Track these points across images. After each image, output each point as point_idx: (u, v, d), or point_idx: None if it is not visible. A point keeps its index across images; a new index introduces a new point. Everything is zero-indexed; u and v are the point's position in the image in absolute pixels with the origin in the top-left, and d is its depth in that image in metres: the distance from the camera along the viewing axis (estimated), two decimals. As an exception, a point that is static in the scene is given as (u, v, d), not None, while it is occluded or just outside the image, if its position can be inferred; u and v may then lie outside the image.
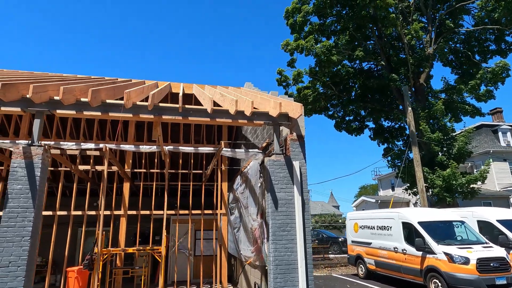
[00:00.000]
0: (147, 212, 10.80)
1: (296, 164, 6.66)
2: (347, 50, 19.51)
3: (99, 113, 6.08)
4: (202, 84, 11.72)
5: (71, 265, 11.01)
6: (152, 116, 6.29)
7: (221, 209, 11.43)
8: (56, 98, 5.75)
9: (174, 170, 12.85)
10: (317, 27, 20.07)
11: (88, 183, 10.76)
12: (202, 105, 7.57)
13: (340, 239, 21.79)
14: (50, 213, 10.06)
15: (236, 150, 8.60)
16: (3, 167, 10.31)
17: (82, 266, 9.28)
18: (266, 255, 7.78)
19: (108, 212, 10.53)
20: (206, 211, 11.16)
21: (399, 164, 18.26)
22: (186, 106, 6.49)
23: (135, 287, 10.84)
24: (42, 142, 5.98)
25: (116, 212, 10.58)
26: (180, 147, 8.22)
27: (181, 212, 11.04)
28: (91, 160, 10.64)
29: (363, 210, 24.74)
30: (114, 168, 10.34)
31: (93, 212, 10.62)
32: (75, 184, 10.91)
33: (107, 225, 12.10)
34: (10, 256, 5.09)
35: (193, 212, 11.10)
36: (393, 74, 18.17)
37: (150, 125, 11.87)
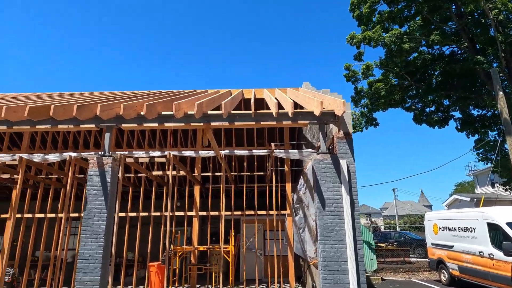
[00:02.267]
0: (217, 213, 11.52)
1: (343, 162, 6.47)
2: (422, 35, 17.88)
3: (156, 124, 6.82)
4: (249, 89, 12.11)
5: (154, 261, 12.35)
6: (201, 124, 6.80)
7: (285, 209, 11.57)
8: (120, 114, 6.64)
9: (239, 172, 13.45)
10: (386, 16, 18.82)
11: (165, 187, 11.96)
12: (249, 109, 7.85)
13: (425, 242, 19.93)
14: (134, 214, 11.47)
15: (290, 151, 8.67)
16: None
17: (160, 262, 10.37)
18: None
19: (181, 213, 11.55)
20: (271, 212, 11.42)
21: (493, 157, 16.02)
22: (232, 112, 6.84)
23: (209, 282, 11.62)
24: (117, 152, 6.95)
25: (189, 213, 11.52)
26: (235, 151, 8.65)
27: (248, 213, 11.50)
28: (166, 166, 11.80)
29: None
30: (183, 173, 11.29)
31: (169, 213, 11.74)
32: (154, 188, 12.23)
33: (181, 225, 13.26)
34: (90, 250, 6.05)
35: (259, 212, 11.47)
36: (479, 56, 16.04)
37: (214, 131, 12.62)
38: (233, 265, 12.61)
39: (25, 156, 8.48)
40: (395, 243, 19.82)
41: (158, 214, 11.46)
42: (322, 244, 6.13)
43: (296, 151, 8.58)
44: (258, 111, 6.73)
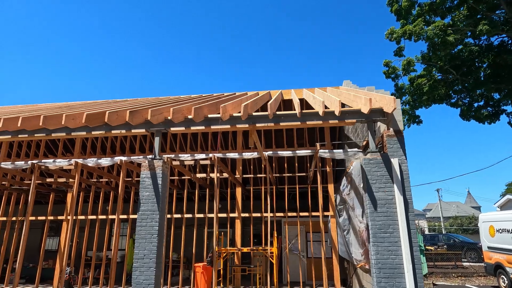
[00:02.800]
0: (258, 215, 11.55)
1: (394, 161, 6.23)
2: (467, 26, 16.91)
3: (203, 127, 6.95)
4: (288, 89, 12.08)
5: (198, 262, 12.60)
6: (247, 125, 6.84)
7: (328, 211, 11.36)
8: (168, 118, 6.84)
9: (281, 174, 13.38)
10: (427, 8, 18.01)
11: (207, 189, 12.17)
12: (288, 110, 7.80)
13: (478, 245, 18.73)
14: (179, 216, 11.77)
15: (335, 151, 8.50)
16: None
17: (206, 263, 10.56)
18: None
19: (224, 215, 11.69)
20: (313, 213, 11.27)
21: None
22: (277, 112, 6.82)
23: (253, 284, 11.66)
24: (164, 155, 7.17)
25: (231, 215, 11.64)
26: (278, 152, 8.62)
27: (290, 214, 11.43)
28: (208, 168, 12.02)
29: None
30: (225, 175, 11.43)
31: (212, 215, 11.92)
32: (196, 191, 12.49)
33: (224, 227, 13.41)
34: (144, 250, 6.27)
35: (301, 214, 11.36)
36: (534, 45, 14.89)
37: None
38: (277, 267, 12.57)
39: (80, 160, 8.97)
40: (445, 246, 18.78)
41: (201, 215, 11.68)
42: (375, 246, 5.92)
43: (341, 151, 8.39)
44: (304, 111, 6.65)
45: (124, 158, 8.80)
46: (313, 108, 7.69)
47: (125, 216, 11.62)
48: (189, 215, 11.65)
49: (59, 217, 12.19)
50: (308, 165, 12.15)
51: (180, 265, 13.78)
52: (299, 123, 6.77)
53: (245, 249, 11.06)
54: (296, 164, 12.18)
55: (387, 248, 5.88)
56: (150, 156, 6.96)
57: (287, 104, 11.83)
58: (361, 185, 8.52)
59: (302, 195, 12.53)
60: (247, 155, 8.65)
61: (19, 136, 7.18)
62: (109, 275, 9.84)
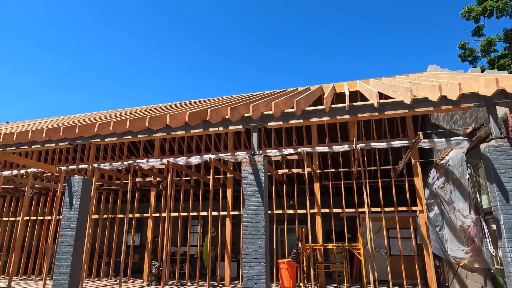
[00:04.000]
0: (339, 210, 11.17)
1: (526, 147, 5.55)
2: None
3: (301, 120, 6.78)
4: (366, 79, 11.53)
5: (276, 258, 12.56)
6: (348, 116, 6.54)
7: (416, 206, 10.68)
8: (268, 112, 6.76)
9: (361, 168, 12.86)
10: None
11: (284, 185, 12.06)
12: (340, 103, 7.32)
13: None
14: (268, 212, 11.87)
15: (436, 140, 7.92)
16: (221, 176, 12.82)
17: (290, 259, 10.45)
18: (492, 255, 6.76)
19: (303, 211, 11.50)
20: (400, 208, 10.66)
21: None
22: (381, 101, 6.44)
23: (338, 282, 11.33)
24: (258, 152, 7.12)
25: (311, 211, 11.40)
26: (372, 144, 8.21)
27: (373, 209, 10.91)
28: (292, 163, 11.89)
29: None
30: (297, 171, 11.23)
31: (291, 211, 11.79)
32: (273, 187, 12.44)
33: (303, 223, 13.18)
34: (253, 245, 6.24)
35: (386, 209, 10.80)
36: None
37: (331, 127, 12.29)
38: (358, 264, 12.09)
39: (171, 160, 9.29)
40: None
41: (280, 212, 11.59)
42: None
43: (443, 140, 7.78)
44: (415, 97, 6.20)
45: (213, 156, 8.95)
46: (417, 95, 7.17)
47: (195, 213, 11.98)
48: (280, 211, 11.59)
49: (145, 215, 12.84)
50: (391, 157, 11.49)
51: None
52: (406, 110, 6.34)
53: (330, 246, 10.77)
54: (377, 158, 11.62)
55: (526, 244, 5.25)
56: (250, 152, 6.93)
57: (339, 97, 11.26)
58: (466, 177, 7.83)
59: (384, 189, 11.92)
60: (338, 148, 8.35)
61: (124, 137, 7.54)
62: (195, 270, 10.12)
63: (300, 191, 13.93)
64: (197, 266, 11.34)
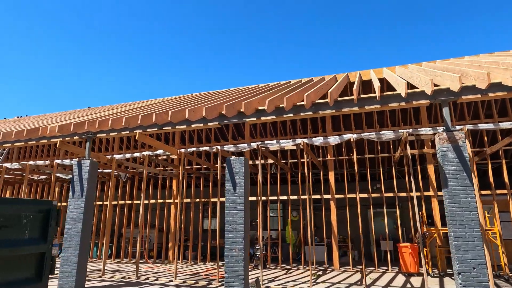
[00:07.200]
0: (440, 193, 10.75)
1: None
2: None
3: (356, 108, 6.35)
4: (366, 70, 11.82)
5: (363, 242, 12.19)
6: (378, 106, 6.23)
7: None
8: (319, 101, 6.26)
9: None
10: None
11: (368, 168, 11.60)
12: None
13: None
14: (341, 196, 11.49)
15: None
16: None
17: (416, 243, 10.12)
18: None
19: (391, 194, 11.16)
20: (498, 191, 10.38)
21: None
22: (385, 93, 6.07)
23: (450, 266, 11.03)
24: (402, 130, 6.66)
25: (426, 193, 10.99)
26: (479, 125, 7.97)
27: (483, 192, 10.44)
28: (398, 145, 11.42)
29: None
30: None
31: (377, 194, 11.38)
32: (356, 170, 12.02)
33: (392, 207, 12.77)
34: (465, 228, 5.82)
35: (497, 192, 10.46)
36: None
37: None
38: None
39: (306, 140, 8.81)
40: None
41: (365, 195, 11.08)
42: None
43: None
44: (492, 82, 5.80)
45: (354, 136, 8.45)
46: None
47: (305, 197, 11.56)
48: (353, 195, 11.08)
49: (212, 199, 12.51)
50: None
51: (346, 245, 13.60)
52: (427, 101, 6.28)
53: (445, 229, 10.39)
54: (485, 138, 11.18)
55: None
56: (442, 128, 6.45)
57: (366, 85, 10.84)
58: None
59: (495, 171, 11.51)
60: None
61: (164, 128, 7.97)
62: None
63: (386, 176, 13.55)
64: (290, 251, 11.13)
